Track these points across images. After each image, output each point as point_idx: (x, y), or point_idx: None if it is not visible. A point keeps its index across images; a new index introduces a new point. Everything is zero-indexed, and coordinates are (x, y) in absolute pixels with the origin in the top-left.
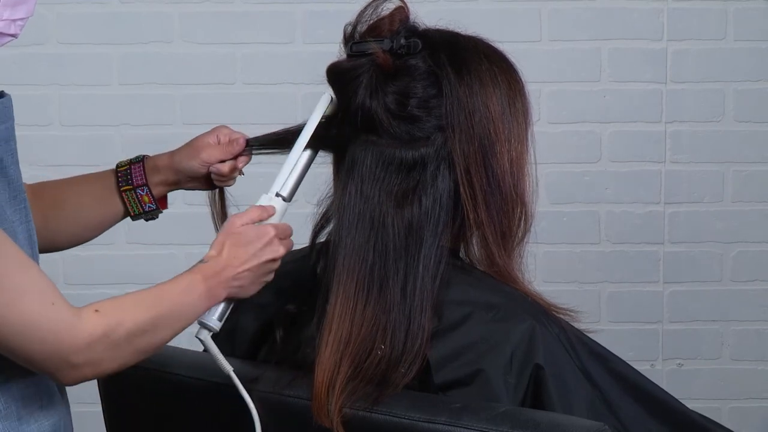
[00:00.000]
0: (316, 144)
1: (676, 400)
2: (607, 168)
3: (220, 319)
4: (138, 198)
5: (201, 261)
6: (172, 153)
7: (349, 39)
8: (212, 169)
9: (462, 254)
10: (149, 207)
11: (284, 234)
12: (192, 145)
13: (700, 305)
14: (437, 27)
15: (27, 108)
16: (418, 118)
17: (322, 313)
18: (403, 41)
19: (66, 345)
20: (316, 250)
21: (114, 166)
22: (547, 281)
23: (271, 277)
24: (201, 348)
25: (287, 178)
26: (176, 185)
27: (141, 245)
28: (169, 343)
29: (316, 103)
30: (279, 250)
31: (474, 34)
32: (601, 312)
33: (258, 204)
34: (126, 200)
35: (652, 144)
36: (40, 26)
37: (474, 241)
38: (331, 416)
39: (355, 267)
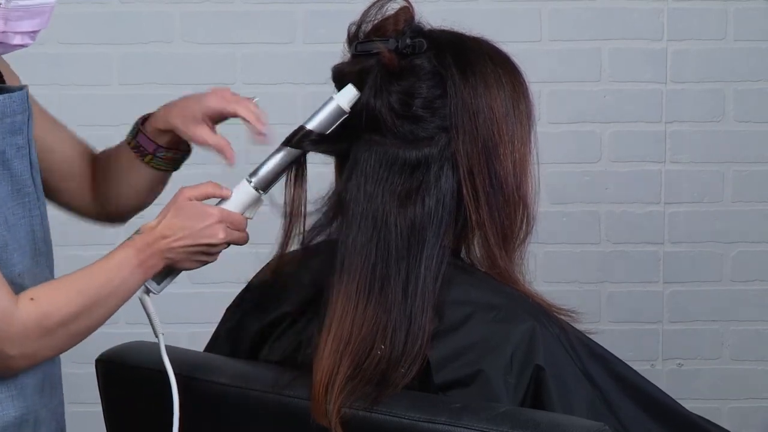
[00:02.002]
0: (320, 146)
1: (676, 402)
2: (607, 168)
3: (159, 283)
4: (163, 159)
5: (137, 231)
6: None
7: (354, 39)
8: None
9: (463, 255)
10: (177, 156)
11: (233, 223)
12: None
13: (700, 305)
14: (442, 27)
15: None
16: (422, 119)
17: (323, 313)
18: (408, 41)
19: (1, 335)
20: (316, 250)
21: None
22: (547, 281)
23: (212, 258)
24: (201, 348)
25: (263, 166)
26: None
27: None
28: (170, 343)
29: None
30: (218, 236)
31: (478, 35)
32: (601, 312)
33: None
34: (156, 167)
35: (652, 144)
36: None
37: (475, 242)
38: (330, 416)
39: (357, 266)
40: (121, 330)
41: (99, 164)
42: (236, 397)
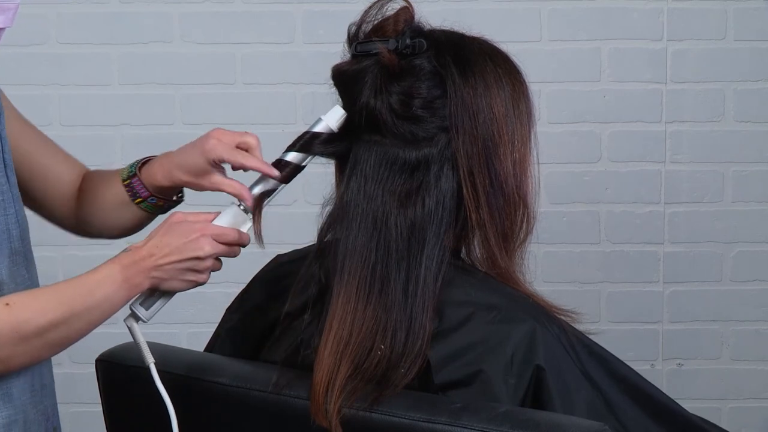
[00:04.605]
0: (317, 150)
1: (675, 402)
2: (607, 168)
3: (147, 309)
4: (154, 205)
5: (125, 249)
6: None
7: (354, 39)
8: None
9: (463, 255)
10: (168, 205)
11: (219, 236)
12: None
13: (700, 305)
14: (442, 27)
15: (27, 108)
16: (422, 119)
17: (324, 313)
18: (408, 41)
19: None
20: (316, 250)
21: (120, 176)
22: (547, 281)
23: (202, 277)
24: (201, 348)
25: (251, 190)
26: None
27: None
28: (170, 343)
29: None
30: (204, 248)
31: (478, 35)
32: (601, 312)
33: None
34: (145, 209)
35: (652, 144)
36: (40, 26)
37: (476, 242)
38: (329, 416)
39: (357, 267)
40: (121, 330)
41: (88, 186)
42: (236, 397)
